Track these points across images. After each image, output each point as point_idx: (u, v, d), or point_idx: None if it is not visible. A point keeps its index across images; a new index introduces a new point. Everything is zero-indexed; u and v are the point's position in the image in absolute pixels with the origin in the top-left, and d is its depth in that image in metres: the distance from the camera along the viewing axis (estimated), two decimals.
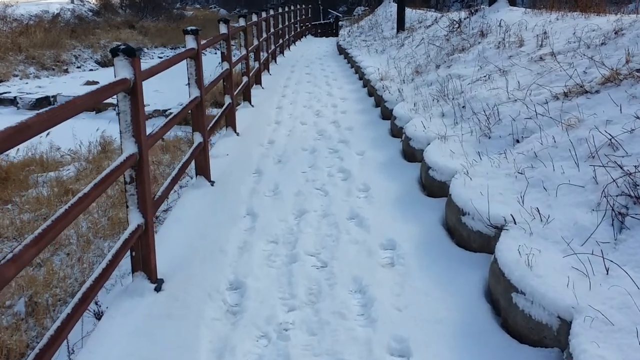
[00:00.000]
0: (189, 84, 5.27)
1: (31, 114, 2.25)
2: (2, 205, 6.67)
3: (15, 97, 16.64)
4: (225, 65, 7.21)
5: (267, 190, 5.33)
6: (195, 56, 5.18)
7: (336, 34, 27.61)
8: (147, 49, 30.45)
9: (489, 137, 4.91)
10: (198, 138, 5.37)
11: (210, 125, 6.12)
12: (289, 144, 6.90)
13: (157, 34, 32.68)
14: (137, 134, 3.34)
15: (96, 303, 3.61)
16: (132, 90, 3.27)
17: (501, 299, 2.97)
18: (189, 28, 5.23)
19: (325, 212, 4.69)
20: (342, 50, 16.80)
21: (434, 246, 3.90)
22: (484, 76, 6.32)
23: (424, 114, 6.28)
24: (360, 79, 11.49)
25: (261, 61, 11.43)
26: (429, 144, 5.38)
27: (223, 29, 7.13)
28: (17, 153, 9.13)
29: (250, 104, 9.40)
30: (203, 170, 5.47)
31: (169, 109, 12.76)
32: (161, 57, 22.94)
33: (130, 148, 3.32)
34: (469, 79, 6.68)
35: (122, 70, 3.22)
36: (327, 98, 9.96)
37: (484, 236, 3.58)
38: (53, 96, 16.67)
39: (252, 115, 8.62)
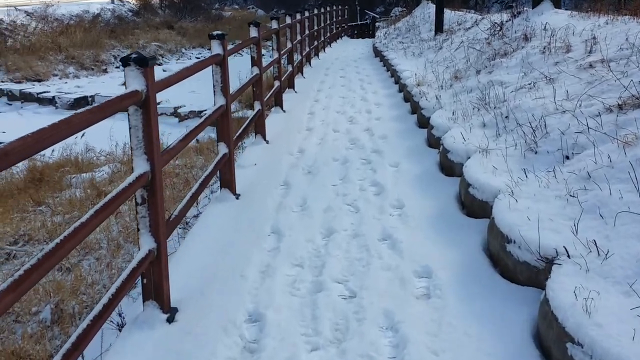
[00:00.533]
0: (214, 91, 5.01)
1: (69, 113, 2.13)
2: (36, 207, 6.59)
3: (54, 97, 16.86)
4: (255, 71, 6.93)
5: (294, 204, 5.02)
6: (221, 62, 4.91)
7: (372, 36, 27.19)
8: (185, 49, 30.62)
9: (536, 152, 4.50)
10: (223, 149, 5.10)
11: (238, 133, 5.85)
12: (319, 154, 6.59)
13: (195, 34, 32.78)
14: (150, 150, 3.07)
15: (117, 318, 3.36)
16: (144, 103, 3.01)
17: (554, 349, 2.59)
18: (214, 33, 4.98)
19: (355, 232, 4.35)
20: (378, 53, 16.43)
21: (474, 276, 3.53)
22: (529, 84, 5.90)
23: (463, 124, 5.89)
24: (396, 83, 11.11)
25: (294, 64, 11.15)
26: (468, 157, 5.00)
27: (253, 32, 6.86)
28: (52, 153, 9.19)
29: (282, 109, 9.12)
30: (228, 183, 5.19)
31: (205, 110, 12.58)
32: (199, 58, 22.89)
33: (141, 166, 3.06)
34: (512, 86, 6.26)
35: (133, 81, 2.99)
36: (361, 103, 9.61)
37: (532, 268, 3.20)
38: (91, 96, 16.83)
39: (283, 121, 8.34)
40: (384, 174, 5.69)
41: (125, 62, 2.99)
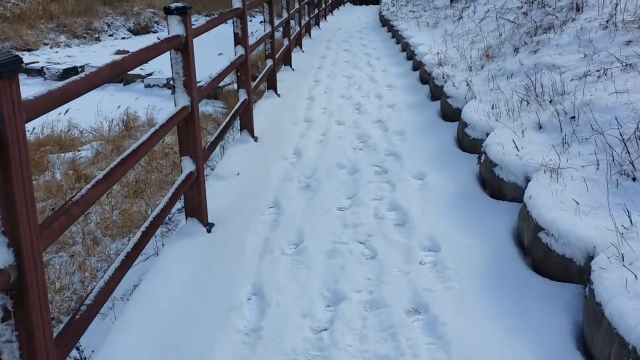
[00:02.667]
0: (174, 86, 3.61)
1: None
2: None
3: (42, 68, 15.87)
4: (240, 51, 5.48)
5: (286, 243, 3.64)
6: (182, 47, 3.55)
7: (378, 2, 25.45)
8: None
9: (634, 179, 3.10)
10: (188, 166, 3.69)
11: (213, 138, 4.43)
12: (321, 157, 5.18)
13: (191, 1, 31.30)
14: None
15: None
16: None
17: None
18: (172, 6, 3.92)
19: (373, 298, 2.98)
20: (385, 22, 14.85)
21: None
22: (598, 70, 4.45)
23: (509, 124, 4.47)
24: (409, 59, 9.61)
25: (291, 38, 9.64)
26: (528, 178, 3.60)
27: (237, 1, 5.38)
28: (34, 130, 8.52)
29: (276, 92, 7.67)
30: (196, 210, 3.80)
31: (199, 82, 11.24)
32: (194, 25, 21.64)
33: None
34: (571, 72, 4.81)
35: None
36: (370, 85, 8.15)
37: None
38: (81, 66, 15.92)
39: (277, 110, 6.90)
40: (406, 191, 4.29)
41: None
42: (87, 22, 23.81)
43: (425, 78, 7.58)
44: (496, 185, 3.93)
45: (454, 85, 5.92)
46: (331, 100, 7.35)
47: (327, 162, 5.05)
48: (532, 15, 6.88)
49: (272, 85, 7.65)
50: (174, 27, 3.48)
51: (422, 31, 10.37)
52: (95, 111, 9.28)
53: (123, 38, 24.11)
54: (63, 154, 7.15)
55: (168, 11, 3.47)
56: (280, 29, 9.41)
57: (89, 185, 2.23)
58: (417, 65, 8.46)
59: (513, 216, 3.64)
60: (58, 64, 16.32)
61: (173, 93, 3.62)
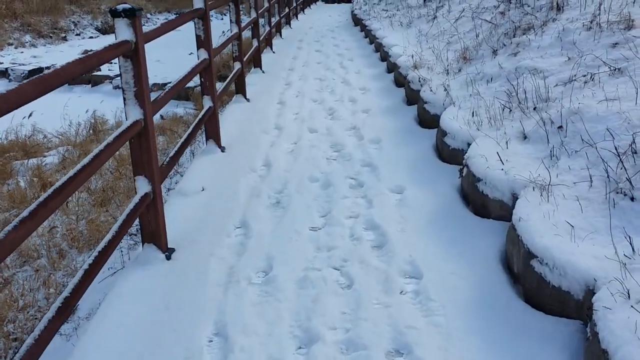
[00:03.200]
0: (124, 99, 3.24)
1: None
2: None
3: (7, 69, 15.44)
4: (203, 55, 5.12)
5: (253, 271, 3.31)
6: (131, 53, 3.17)
7: (349, 0, 25.20)
8: (151, 14, 29.36)
9: (632, 199, 2.84)
10: (143, 187, 3.33)
11: (173, 152, 4.07)
12: (292, 169, 4.85)
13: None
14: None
15: None
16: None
17: None
18: (120, 7, 3.50)
19: (349, 338, 2.66)
20: (358, 21, 14.55)
21: None
22: (584, 75, 4.20)
23: (491, 132, 4.20)
24: (383, 59, 9.33)
25: (260, 38, 9.28)
26: (515, 195, 3.33)
27: (198, 2, 5.01)
28: None
29: (245, 97, 7.31)
30: (153, 235, 3.44)
31: (170, 83, 10.88)
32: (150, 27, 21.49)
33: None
34: (554, 76, 4.55)
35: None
36: (343, 88, 7.83)
37: None
38: (47, 67, 15.48)
39: (246, 116, 6.54)
40: (384, 207, 3.98)
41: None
42: (53, 21, 23.43)
43: (401, 81, 7.29)
44: (480, 202, 3.64)
45: (431, 90, 5.64)
46: (303, 104, 7.02)
47: (298, 174, 4.72)
48: (510, 15, 6.64)
49: (240, 89, 7.29)
50: (122, 32, 3.12)
51: (396, 31, 10.09)
52: (61, 114, 8.87)
53: (91, 37, 23.89)
54: (27, 161, 6.82)
55: (114, 14, 3.10)
56: (249, 29, 9.05)
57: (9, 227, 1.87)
58: (392, 67, 8.18)
59: (499, 236, 3.36)
60: (23, 64, 15.85)
61: (125, 104, 3.26)
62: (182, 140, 4.23)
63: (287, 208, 4.11)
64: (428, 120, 5.54)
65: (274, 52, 11.00)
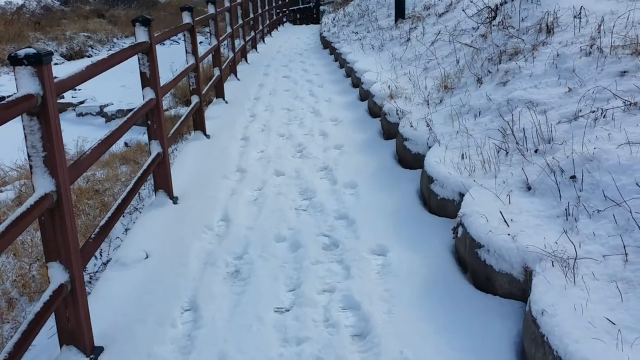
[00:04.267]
0: (30, 166, 2.51)
1: None
2: None
3: None
4: (149, 94, 4.40)
5: None
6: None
7: (317, 21, 24.75)
8: (117, 38, 29.17)
9: None
10: (58, 276, 2.59)
11: (115, 208, 3.33)
12: (255, 226, 4.13)
13: (127, 22, 30.80)
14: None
15: None
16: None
17: None
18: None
19: None
20: (327, 44, 13.96)
21: None
22: (593, 111, 3.58)
23: (487, 181, 3.56)
24: (355, 86, 8.71)
25: (222, 66, 8.59)
26: (528, 269, 2.67)
27: (142, 35, 4.30)
28: None
29: (205, 133, 6.60)
30: (72, 336, 2.69)
31: (135, 109, 10.37)
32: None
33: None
34: (555, 111, 3.94)
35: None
36: (313, 119, 7.16)
37: None
38: (9, 96, 14.57)
39: (204, 157, 5.82)
40: (364, 277, 3.29)
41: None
42: (17, 48, 22.73)
43: (376, 111, 6.66)
44: (483, 274, 2.97)
45: (411, 126, 4.99)
46: (269, 140, 6.33)
47: (262, 232, 4.01)
48: (492, 38, 6.06)
49: (199, 125, 6.57)
50: (25, 83, 2.40)
51: (367, 55, 9.49)
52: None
53: (56, 64, 23.34)
54: None
55: (15, 61, 2.39)
56: (210, 56, 8.36)
57: None
58: (365, 95, 7.55)
59: (512, 321, 2.69)
60: None
61: (32, 173, 2.52)
62: (119, 202, 3.49)
63: (248, 280, 3.40)
64: (409, 159, 4.89)
65: (238, 80, 10.32)
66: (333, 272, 3.44)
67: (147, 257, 3.71)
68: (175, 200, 4.64)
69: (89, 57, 25.02)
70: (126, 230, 4.59)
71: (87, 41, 27.98)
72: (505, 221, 3.01)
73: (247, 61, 12.48)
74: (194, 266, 3.59)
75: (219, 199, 4.68)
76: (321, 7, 27.14)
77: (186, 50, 6.29)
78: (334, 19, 16.52)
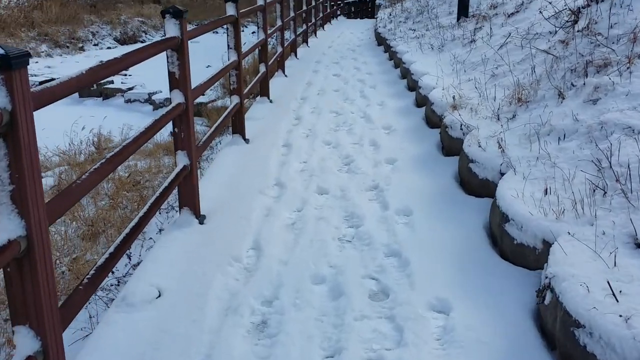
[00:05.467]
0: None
1: None
2: None
3: None
4: (178, 98, 3.80)
5: None
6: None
7: (373, 16, 23.95)
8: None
9: None
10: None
11: (145, 210, 2.75)
12: (289, 261, 3.49)
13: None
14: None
15: None
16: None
17: None
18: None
19: None
20: (382, 40, 13.22)
21: None
22: None
23: (581, 228, 2.82)
24: (411, 89, 7.98)
25: (269, 62, 7.98)
26: None
27: (172, 30, 3.70)
28: None
29: (244, 138, 6.00)
30: None
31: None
32: None
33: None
34: None
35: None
36: (364, 125, 6.49)
37: None
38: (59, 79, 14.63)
39: (240, 166, 5.21)
40: (423, 347, 2.61)
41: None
42: (71, 30, 23.30)
43: (434, 121, 5.93)
44: None
45: (479, 145, 4.26)
46: (313, 149, 5.68)
47: (298, 268, 3.37)
48: (575, 46, 5.24)
49: (238, 128, 5.97)
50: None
51: (426, 55, 8.73)
52: (66, 130, 8.04)
53: (109, 48, 24.05)
54: None
55: None
56: (257, 51, 7.77)
57: None
58: (422, 101, 6.82)
59: None
60: (35, 75, 15.06)
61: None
62: (161, 189, 2.91)
63: (275, 339, 2.76)
64: (475, 185, 4.17)
65: (286, 76, 9.71)
66: (382, 333, 2.77)
67: (159, 296, 3.12)
68: (201, 219, 4.05)
69: (142, 42, 24.93)
70: (138, 262, 4.00)
71: (142, 26, 28.05)
72: (613, 294, 2.28)
73: (296, 56, 11.87)
74: (212, 311, 2.98)
75: (252, 220, 4.06)
76: (377, 1, 26.33)
77: (228, 46, 5.69)
78: (390, 14, 15.73)
